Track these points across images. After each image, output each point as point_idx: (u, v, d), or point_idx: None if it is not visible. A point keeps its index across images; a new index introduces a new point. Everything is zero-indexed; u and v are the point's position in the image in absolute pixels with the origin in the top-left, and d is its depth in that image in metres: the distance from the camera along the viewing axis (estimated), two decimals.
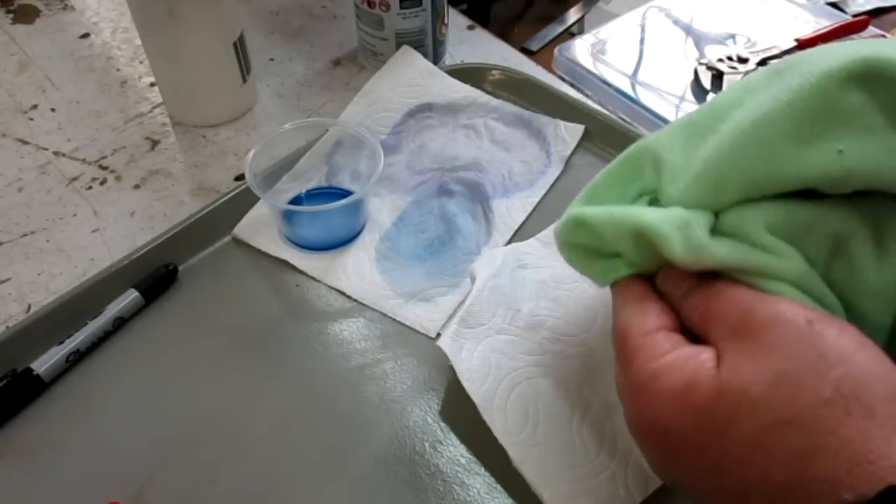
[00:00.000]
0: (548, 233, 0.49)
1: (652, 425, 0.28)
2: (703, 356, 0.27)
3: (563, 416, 0.40)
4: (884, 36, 0.69)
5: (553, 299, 0.45)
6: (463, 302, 0.45)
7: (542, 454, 0.38)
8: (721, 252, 0.29)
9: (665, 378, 0.28)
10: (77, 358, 0.43)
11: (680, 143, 0.33)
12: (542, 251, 0.48)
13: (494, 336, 0.43)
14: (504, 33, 0.95)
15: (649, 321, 0.30)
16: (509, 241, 0.50)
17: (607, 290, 0.44)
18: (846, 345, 0.25)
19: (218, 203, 0.50)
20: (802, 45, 0.67)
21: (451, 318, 0.46)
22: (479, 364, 0.41)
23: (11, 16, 0.72)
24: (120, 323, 0.45)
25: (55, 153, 0.58)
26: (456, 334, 0.42)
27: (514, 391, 0.40)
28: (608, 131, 0.56)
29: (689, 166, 0.31)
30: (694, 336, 0.30)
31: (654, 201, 0.34)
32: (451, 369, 0.43)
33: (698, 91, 0.64)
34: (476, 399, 0.39)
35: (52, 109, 0.62)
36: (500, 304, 0.44)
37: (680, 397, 0.27)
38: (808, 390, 0.24)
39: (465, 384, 0.40)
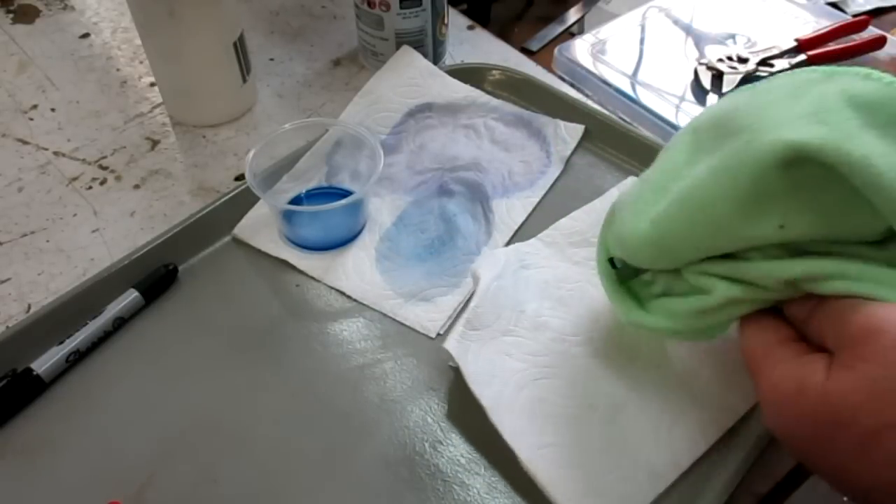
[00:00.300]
0: (549, 233, 0.49)
1: (781, 433, 0.31)
2: (815, 365, 0.29)
3: (572, 417, 0.40)
4: (884, 36, 0.68)
5: (557, 299, 0.45)
6: (467, 303, 0.45)
7: (552, 455, 0.38)
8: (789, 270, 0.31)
9: (781, 388, 0.30)
10: (77, 358, 0.43)
11: (633, 202, 0.37)
12: (544, 251, 0.48)
13: (500, 338, 0.43)
14: (504, 33, 0.95)
15: (768, 336, 0.32)
16: (509, 242, 0.50)
17: None
18: None
19: (218, 203, 0.50)
20: (802, 45, 0.67)
21: (451, 318, 0.46)
22: (485, 366, 0.41)
23: (11, 16, 0.72)
24: (120, 323, 0.45)
25: (55, 153, 0.58)
26: (462, 336, 0.42)
27: (521, 393, 0.41)
28: (608, 131, 0.56)
29: (637, 226, 0.36)
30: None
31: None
32: (452, 370, 0.43)
33: (698, 91, 0.64)
34: (483, 402, 0.39)
35: (52, 109, 0.62)
36: (504, 305, 0.44)
37: (794, 405, 0.29)
38: None
39: (471, 387, 0.40)
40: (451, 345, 0.41)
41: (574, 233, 0.49)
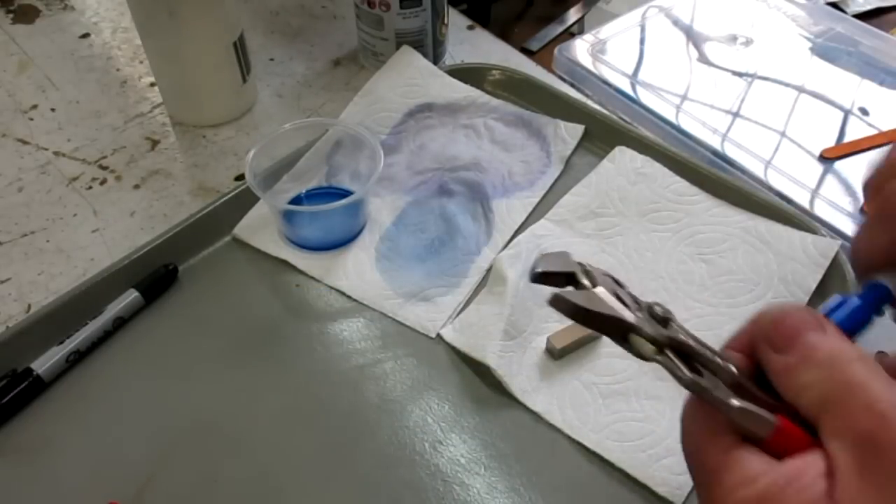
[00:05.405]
0: (556, 211, 0.51)
1: None
2: (808, 478, 0.21)
3: (622, 392, 0.42)
4: None
5: None
6: (469, 301, 0.47)
7: (613, 434, 0.40)
8: None
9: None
10: (77, 358, 0.43)
11: None
12: (556, 230, 0.50)
13: (535, 339, 0.44)
14: (504, 33, 0.95)
15: (721, 426, 0.24)
16: (509, 242, 0.50)
17: (630, 258, 0.48)
18: None
19: (218, 203, 0.50)
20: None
21: (451, 318, 0.46)
22: (529, 374, 0.43)
23: (11, 16, 0.72)
24: (120, 323, 0.45)
25: (55, 153, 0.58)
26: (503, 350, 0.43)
27: (568, 388, 0.42)
28: (608, 131, 0.56)
29: None
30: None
31: None
32: (454, 369, 0.43)
33: (698, 91, 0.64)
34: (537, 409, 0.41)
35: (52, 109, 0.62)
36: (533, 304, 0.45)
37: None
38: None
39: (521, 399, 0.42)
40: (493, 361, 0.42)
41: (579, 207, 0.51)
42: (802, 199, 0.54)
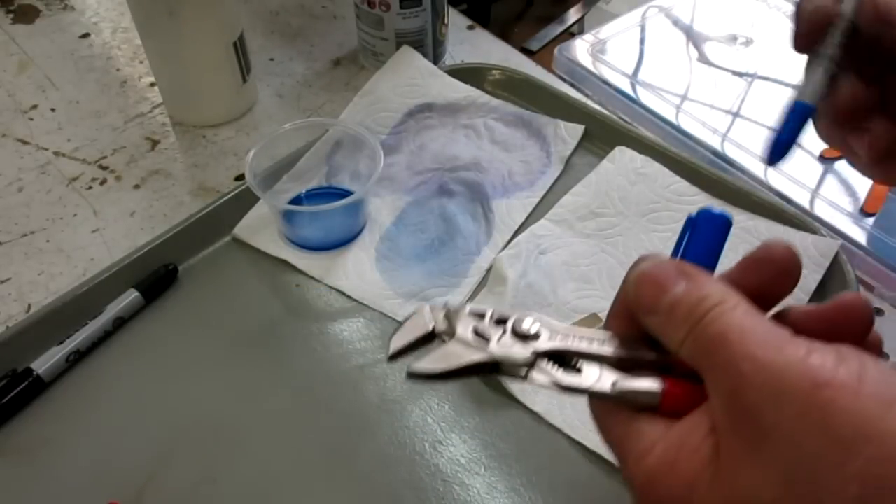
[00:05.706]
0: (556, 211, 0.51)
1: None
2: (694, 443, 0.22)
3: None
4: None
5: (579, 278, 0.47)
6: (469, 301, 0.47)
7: None
8: None
9: (661, 486, 0.22)
10: (77, 358, 0.43)
11: None
12: (556, 230, 0.50)
13: None
14: (504, 33, 0.95)
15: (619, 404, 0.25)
16: (509, 242, 0.50)
17: (630, 258, 0.48)
18: (868, 409, 0.19)
19: (218, 203, 0.50)
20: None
21: None
22: None
23: (11, 16, 0.72)
24: (120, 323, 0.45)
25: (55, 153, 0.58)
26: None
27: None
28: (608, 131, 0.56)
29: None
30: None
31: None
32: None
33: (698, 91, 0.64)
34: (537, 409, 0.41)
35: (52, 109, 0.62)
36: (533, 304, 0.45)
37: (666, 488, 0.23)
38: (829, 491, 0.19)
39: (521, 399, 0.41)
40: None
41: (579, 207, 0.51)
42: (802, 199, 0.54)
